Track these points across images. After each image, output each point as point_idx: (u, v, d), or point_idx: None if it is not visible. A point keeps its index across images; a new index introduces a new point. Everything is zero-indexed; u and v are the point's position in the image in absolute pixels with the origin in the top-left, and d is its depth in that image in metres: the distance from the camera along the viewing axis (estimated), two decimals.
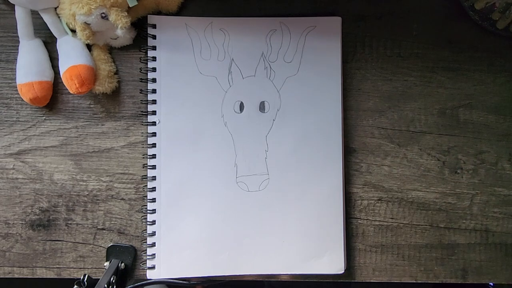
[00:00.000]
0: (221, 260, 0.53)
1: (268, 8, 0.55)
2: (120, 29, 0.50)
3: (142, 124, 0.54)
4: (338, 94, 0.54)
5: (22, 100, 0.52)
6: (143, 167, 0.54)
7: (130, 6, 0.49)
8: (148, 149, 0.53)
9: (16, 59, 0.52)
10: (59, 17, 0.51)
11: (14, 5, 0.50)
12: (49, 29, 0.51)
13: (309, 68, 0.54)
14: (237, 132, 0.54)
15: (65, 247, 0.54)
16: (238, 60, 0.54)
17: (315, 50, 0.54)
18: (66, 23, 0.51)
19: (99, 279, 0.48)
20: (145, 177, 0.54)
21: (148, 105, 0.54)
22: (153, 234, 0.53)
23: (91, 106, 0.54)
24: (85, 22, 0.49)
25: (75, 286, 0.48)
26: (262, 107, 0.54)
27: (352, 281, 0.55)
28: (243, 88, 0.54)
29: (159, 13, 0.54)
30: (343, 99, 0.54)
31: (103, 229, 0.54)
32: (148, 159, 0.53)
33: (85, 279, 0.48)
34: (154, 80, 0.54)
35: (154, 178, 0.53)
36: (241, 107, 0.54)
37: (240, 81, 0.54)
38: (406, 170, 0.55)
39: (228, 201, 0.53)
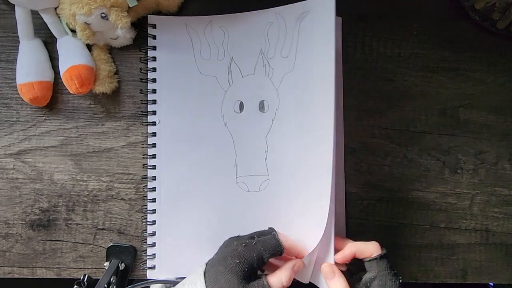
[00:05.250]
0: None
1: (268, 8, 0.55)
2: (120, 29, 0.50)
3: (142, 124, 0.54)
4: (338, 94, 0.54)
5: (22, 100, 0.52)
6: (143, 167, 0.54)
7: (130, 6, 0.49)
8: (148, 149, 0.53)
9: (16, 59, 0.52)
10: (59, 17, 0.51)
11: (14, 5, 0.50)
12: (49, 29, 0.51)
13: (308, 68, 0.54)
14: (237, 132, 0.54)
15: (65, 247, 0.54)
16: (237, 58, 0.54)
17: (315, 50, 0.54)
18: (66, 23, 0.51)
19: (99, 279, 0.48)
20: (145, 177, 0.54)
21: (148, 105, 0.54)
22: (153, 234, 0.53)
23: (91, 106, 0.54)
24: (85, 22, 0.49)
25: (75, 286, 0.48)
26: (261, 106, 0.54)
27: None
28: (243, 88, 0.54)
29: (159, 13, 0.54)
30: (343, 99, 0.54)
31: (103, 229, 0.54)
32: (148, 159, 0.53)
33: (85, 279, 0.48)
34: (154, 80, 0.54)
35: (154, 178, 0.53)
36: (241, 106, 0.54)
37: (239, 80, 0.54)
38: (406, 170, 0.55)
39: (228, 201, 0.53)
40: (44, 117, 0.54)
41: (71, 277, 0.54)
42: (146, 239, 0.53)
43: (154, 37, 0.54)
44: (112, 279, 0.49)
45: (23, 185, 0.54)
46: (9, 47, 0.54)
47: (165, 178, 0.53)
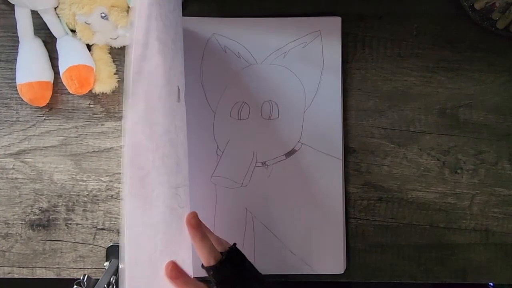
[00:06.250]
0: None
1: (268, 8, 0.55)
2: (120, 29, 0.50)
3: None
4: (338, 94, 0.54)
5: (22, 100, 0.52)
6: None
7: (130, 6, 0.49)
8: None
9: (16, 59, 0.52)
10: (59, 17, 0.51)
11: (14, 5, 0.50)
12: (49, 29, 0.51)
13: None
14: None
15: (65, 247, 0.54)
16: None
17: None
18: (66, 23, 0.51)
19: (99, 279, 0.48)
20: None
21: None
22: None
23: (91, 106, 0.54)
24: (85, 22, 0.49)
25: (75, 286, 0.48)
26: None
27: (352, 281, 0.55)
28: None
29: None
30: (343, 99, 0.54)
31: (103, 229, 0.54)
32: None
33: (85, 279, 0.48)
34: None
35: None
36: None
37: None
38: (406, 170, 0.55)
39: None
40: (44, 117, 0.54)
41: (71, 277, 0.54)
42: None
43: None
44: (112, 279, 0.49)
45: (23, 185, 0.54)
46: (9, 47, 0.54)
47: None
